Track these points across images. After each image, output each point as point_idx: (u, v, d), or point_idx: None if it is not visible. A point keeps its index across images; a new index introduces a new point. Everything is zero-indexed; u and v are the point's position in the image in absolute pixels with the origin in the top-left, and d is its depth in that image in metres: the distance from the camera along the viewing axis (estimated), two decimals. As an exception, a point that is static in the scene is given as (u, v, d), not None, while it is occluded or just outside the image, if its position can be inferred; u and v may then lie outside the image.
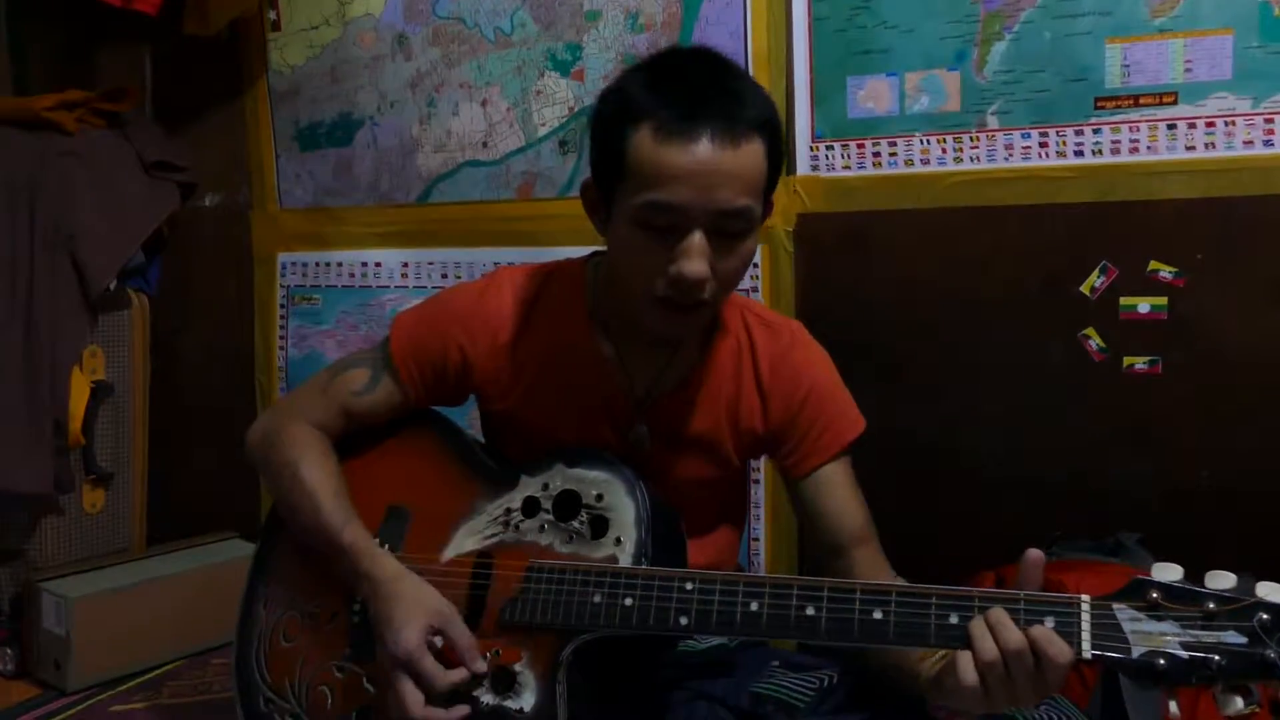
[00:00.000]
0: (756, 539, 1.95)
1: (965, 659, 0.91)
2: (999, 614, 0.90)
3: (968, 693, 0.90)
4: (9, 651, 2.05)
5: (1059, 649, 0.87)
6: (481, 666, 1.07)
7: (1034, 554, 0.94)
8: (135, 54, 2.49)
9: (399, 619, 1.08)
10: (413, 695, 1.05)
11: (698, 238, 1.04)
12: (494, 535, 1.16)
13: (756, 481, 1.93)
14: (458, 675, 1.06)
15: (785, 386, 1.23)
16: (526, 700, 1.06)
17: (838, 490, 1.22)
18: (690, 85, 1.06)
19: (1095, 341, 1.69)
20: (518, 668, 1.08)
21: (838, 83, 1.83)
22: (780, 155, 1.11)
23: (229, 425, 2.22)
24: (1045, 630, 0.88)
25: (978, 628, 0.91)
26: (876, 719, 1.09)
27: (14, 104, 2.32)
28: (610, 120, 1.08)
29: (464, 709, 1.06)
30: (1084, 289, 1.69)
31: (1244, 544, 1.57)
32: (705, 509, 1.28)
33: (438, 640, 1.08)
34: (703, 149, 1.02)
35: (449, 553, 1.18)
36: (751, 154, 1.05)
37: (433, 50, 2.18)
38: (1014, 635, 0.89)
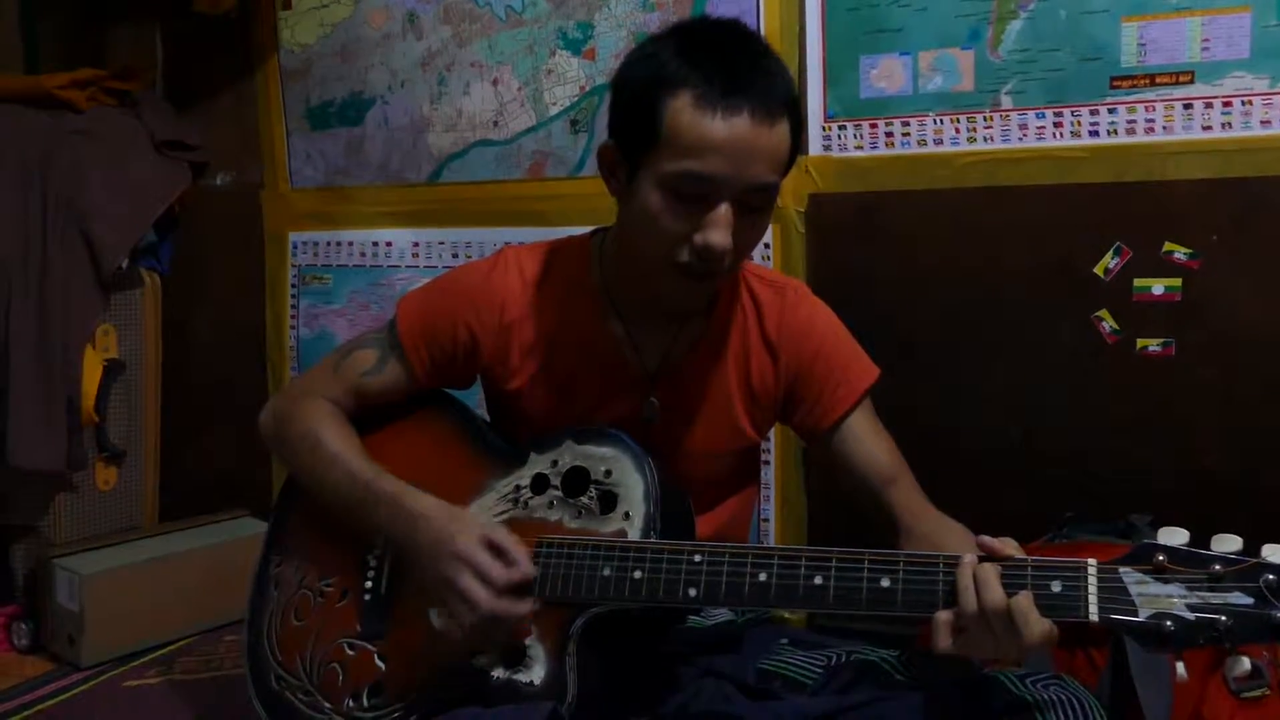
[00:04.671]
0: (766, 520, 1.95)
1: (941, 621, 0.92)
2: (986, 571, 0.92)
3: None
4: (24, 627, 2.07)
5: (1028, 623, 0.89)
6: (532, 569, 1.08)
7: (982, 540, 0.96)
8: (146, 32, 2.49)
9: (452, 529, 1.09)
10: (478, 588, 1.06)
11: (725, 209, 1.06)
12: (504, 512, 1.17)
13: (766, 463, 1.93)
14: (515, 572, 1.07)
15: (794, 341, 1.24)
16: (537, 674, 1.07)
17: (863, 438, 1.22)
18: (729, 58, 1.06)
19: (1108, 323, 1.68)
20: (528, 641, 1.08)
21: (850, 62, 1.82)
22: (800, 135, 1.12)
23: (240, 403, 2.23)
24: (1025, 599, 0.89)
25: (964, 577, 0.92)
26: (884, 697, 1.09)
27: (25, 82, 2.32)
28: (643, 85, 1.08)
29: (529, 604, 1.07)
30: (1098, 270, 1.68)
31: (1258, 527, 1.55)
32: (718, 480, 1.28)
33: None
34: (743, 123, 1.03)
35: (459, 530, 1.18)
36: (782, 132, 1.07)
37: (444, 29, 2.17)
38: (996, 595, 0.90)
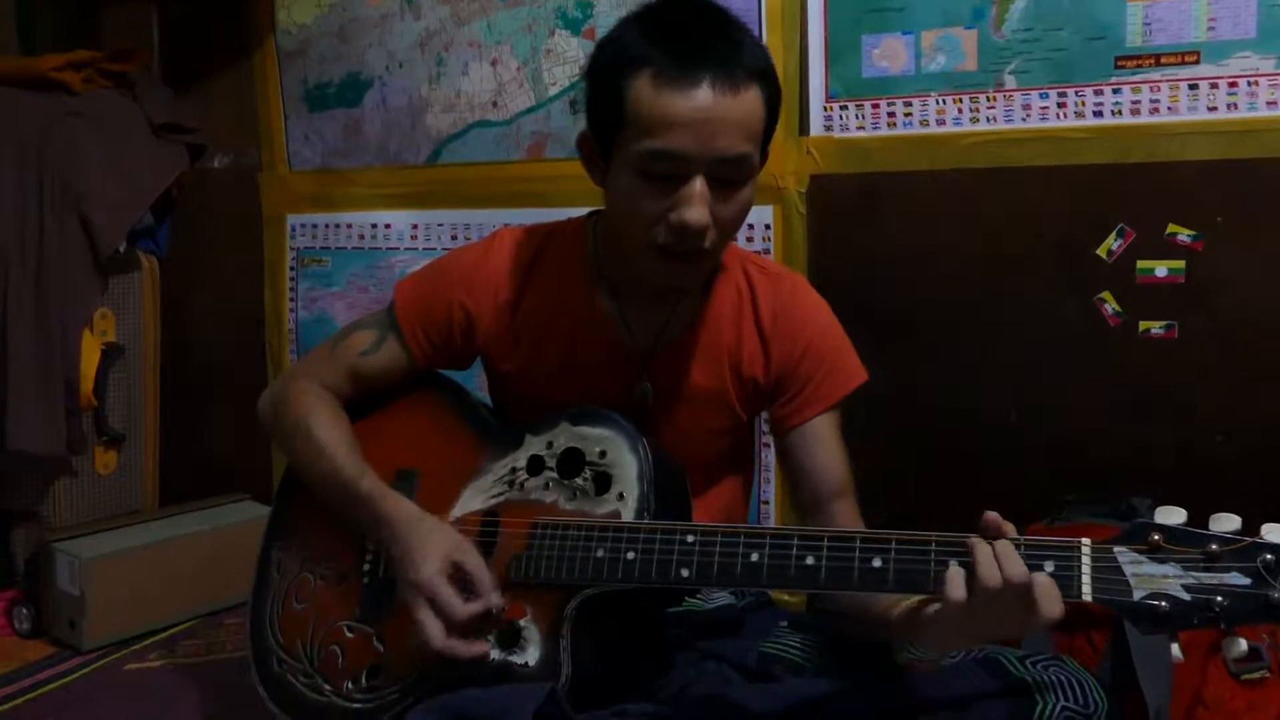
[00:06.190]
0: (766, 502, 1.95)
1: (956, 574, 0.90)
2: (1006, 546, 0.89)
3: (950, 614, 0.90)
4: (25, 611, 2.07)
5: (1050, 599, 0.86)
6: (498, 600, 1.07)
7: (990, 516, 0.93)
8: (142, 14, 2.48)
9: (418, 553, 1.09)
10: (434, 625, 1.06)
11: (698, 184, 1.05)
12: (500, 494, 1.17)
13: (767, 445, 1.92)
14: (475, 607, 1.06)
15: (786, 336, 1.23)
16: (531, 655, 1.07)
17: (826, 443, 1.22)
18: (689, 33, 1.06)
19: (1111, 305, 1.67)
20: (523, 623, 1.08)
21: (852, 41, 1.80)
22: (778, 105, 1.11)
23: (239, 387, 2.23)
24: (1047, 579, 0.87)
25: (983, 552, 0.89)
26: (882, 679, 1.09)
27: (21, 64, 2.31)
28: (608, 69, 1.08)
29: (484, 646, 1.06)
30: (1100, 252, 1.67)
31: (1260, 510, 1.56)
32: (712, 462, 1.28)
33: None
34: (703, 95, 1.02)
35: (456, 512, 1.18)
36: (750, 101, 1.05)
37: (442, 8, 2.15)
38: (1019, 568, 0.87)
